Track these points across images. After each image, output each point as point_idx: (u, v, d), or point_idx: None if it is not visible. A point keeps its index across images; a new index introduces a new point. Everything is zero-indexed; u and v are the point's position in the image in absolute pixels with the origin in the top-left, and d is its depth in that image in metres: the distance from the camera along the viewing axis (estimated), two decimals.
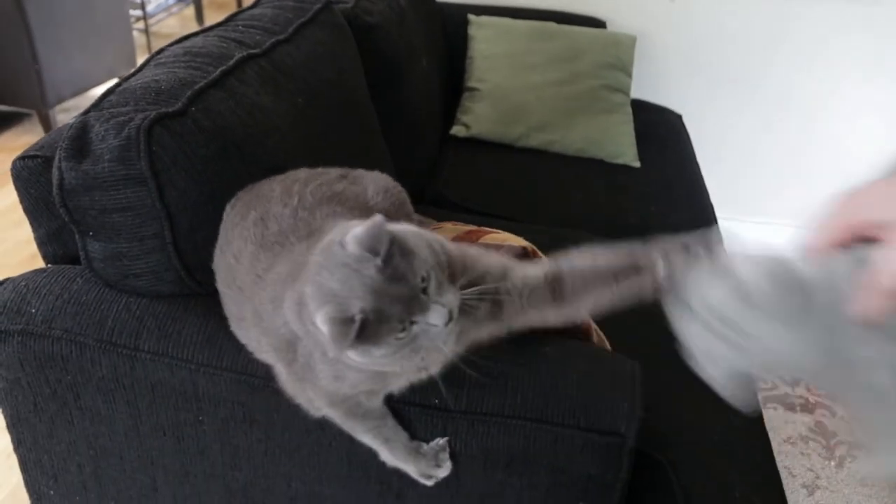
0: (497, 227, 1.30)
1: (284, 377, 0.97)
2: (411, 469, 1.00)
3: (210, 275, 1.09)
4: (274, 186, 1.08)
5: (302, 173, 1.12)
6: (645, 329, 1.52)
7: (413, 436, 1.01)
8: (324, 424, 1.03)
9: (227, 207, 1.08)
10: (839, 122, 2.72)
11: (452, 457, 1.00)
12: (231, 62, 1.23)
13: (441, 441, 1.00)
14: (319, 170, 1.15)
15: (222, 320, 1.05)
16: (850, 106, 2.69)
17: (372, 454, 1.05)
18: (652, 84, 2.68)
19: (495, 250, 1.08)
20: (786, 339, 0.65)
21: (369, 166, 1.24)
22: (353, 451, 1.05)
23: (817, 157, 2.79)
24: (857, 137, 2.74)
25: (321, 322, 0.78)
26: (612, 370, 1.01)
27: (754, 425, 1.39)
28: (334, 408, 0.97)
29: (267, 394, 1.03)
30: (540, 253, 1.13)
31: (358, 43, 1.74)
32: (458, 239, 1.16)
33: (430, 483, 1.00)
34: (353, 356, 0.82)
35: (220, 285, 1.04)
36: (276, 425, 1.05)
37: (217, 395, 1.05)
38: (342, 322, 0.77)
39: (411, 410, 1.00)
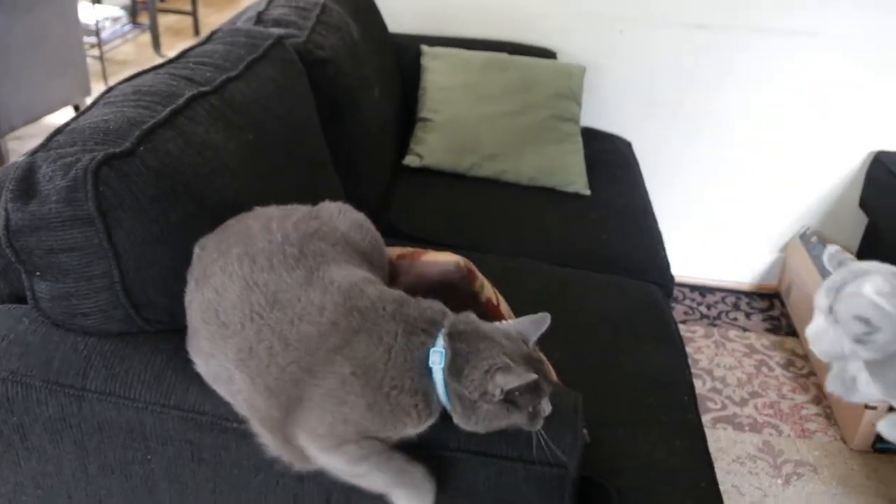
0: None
1: (272, 420, 0.97)
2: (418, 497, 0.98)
3: (158, 313, 1.09)
4: (249, 223, 1.09)
5: (273, 210, 1.14)
6: (592, 358, 1.55)
7: None
8: (271, 464, 1.04)
9: (197, 248, 1.09)
10: (783, 150, 2.79)
11: None
12: (181, 101, 1.24)
13: None
14: (289, 207, 1.17)
15: (170, 358, 1.06)
16: (792, 133, 2.76)
17: (319, 498, 1.06)
18: (602, 112, 2.74)
19: (432, 268, 1.11)
20: None
21: (320, 193, 1.26)
22: (301, 495, 1.06)
23: (762, 183, 2.85)
24: (800, 165, 2.82)
25: (504, 368, 0.93)
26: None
27: (698, 449, 1.42)
28: (344, 447, 0.95)
29: (216, 432, 1.04)
30: (475, 269, 1.15)
31: (310, 76, 1.76)
32: (399, 259, 1.17)
33: None
34: (491, 408, 0.95)
35: (195, 321, 1.03)
36: (224, 464, 1.06)
37: (164, 433, 1.05)
38: (522, 374, 0.93)
39: None
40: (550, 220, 2.14)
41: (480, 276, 1.16)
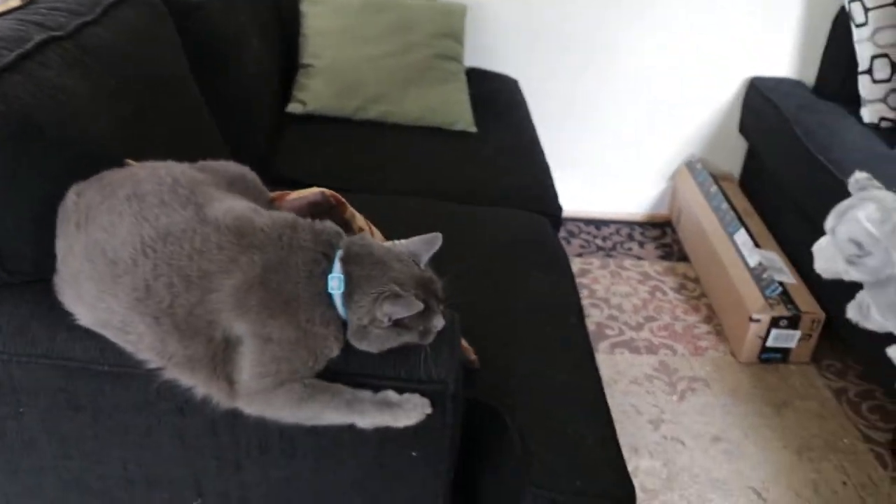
0: None
1: (192, 361, 0.95)
2: (392, 418, 0.99)
3: (21, 263, 1.05)
4: (134, 171, 1.06)
5: (160, 163, 1.10)
6: (482, 286, 1.57)
7: None
8: (152, 402, 1.02)
9: (72, 194, 1.04)
10: (665, 81, 2.85)
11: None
12: (29, 45, 1.18)
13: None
14: (172, 162, 1.13)
15: (35, 308, 1.03)
16: (673, 64, 2.82)
17: (204, 429, 1.05)
18: (489, 52, 2.74)
19: (300, 202, 1.10)
20: None
21: (196, 145, 1.23)
22: (185, 428, 1.05)
23: (648, 115, 2.92)
24: (682, 95, 2.89)
25: (392, 297, 0.95)
26: None
27: (585, 365, 1.46)
28: (282, 389, 0.95)
29: (88, 377, 1.02)
30: (342, 199, 1.15)
31: (179, 24, 1.71)
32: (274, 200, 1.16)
33: (420, 420, 0.99)
34: (380, 333, 0.97)
35: (76, 265, 0.99)
36: (103, 409, 1.04)
37: (35, 384, 1.02)
38: (410, 304, 0.95)
39: None
40: (438, 159, 2.14)
41: (350, 207, 1.15)
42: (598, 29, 2.76)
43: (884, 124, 2.48)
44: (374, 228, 1.20)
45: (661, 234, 3.00)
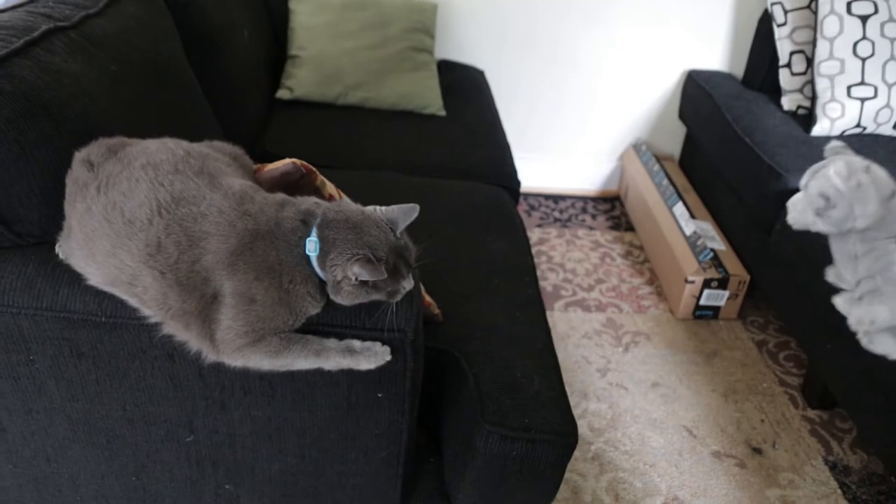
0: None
1: (186, 315, 0.94)
2: (353, 362, 1.00)
3: (30, 226, 1.04)
4: (147, 145, 1.04)
5: (168, 139, 1.08)
6: (444, 247, 1.57)
7: None
8: (145, 349, 1.02)
9: (78, 163, 1.02)
10: (615, 71, 2.85)
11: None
12: (36, 33, 1.16)
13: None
14: (178, 139, 1.10)
15: (40, 266, 1.01)
16: (622, 56, 2.82)
17: (192, 374, 1.05)
18: (458, 45, 2.72)
19: (273, 174, 1.09)
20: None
21: (193, 126, 1.21)
22: (175, 372, 1.05)
23: (601, 101, 2.91)
24: (630, 84, 2.88)
25: (363, 260, 0.94)
26: None
27: (536, 318, 1.46)
28: (262, 343, 0.95)
29: (88, 328, 1.01)
30: (312, 168, 1.14)
31: (176, 16, 1.68)
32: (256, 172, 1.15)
33: (379, 364, 1.00)
34: (351, 290, 0.96)
35: (93, 225, 0.96)
36: (102, 356, 1.03)
37: (42, 334, 1.01)
38: (376, 270, 0.94)
39: None
40: (410, 139, 2.13)
41: (320, 175, 1.14)
42: (558, 26, 2.74)
43: (801, 111, 2.49)
44: (343, 196, 1.19)
45: (611, 207, 3.01)
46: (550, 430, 1.20)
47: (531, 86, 2.85)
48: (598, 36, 2.77)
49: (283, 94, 2.23)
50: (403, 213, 1.02)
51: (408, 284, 1.01)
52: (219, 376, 1.04)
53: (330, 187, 1.15)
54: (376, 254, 0.95)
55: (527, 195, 3.00)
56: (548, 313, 2.33)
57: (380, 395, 1.06)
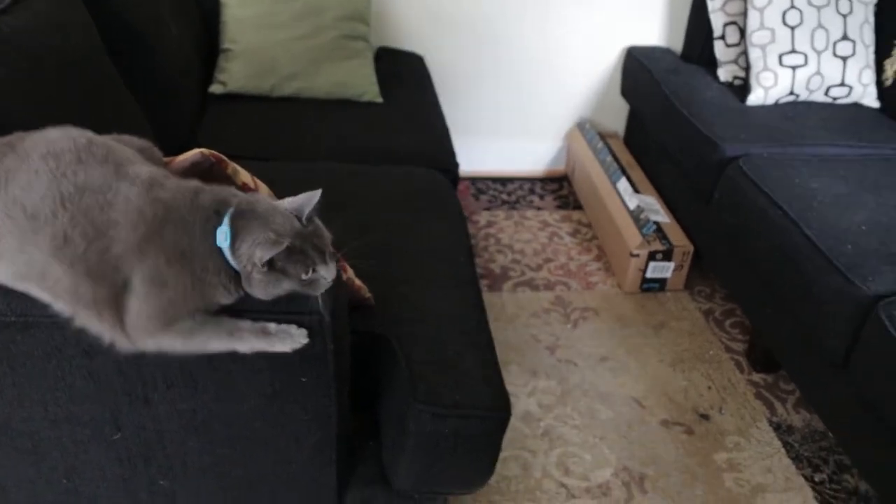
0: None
1: (98, 304, 0.93)
2: (267, 344, 0.99)
3: None
4: (47, 134, 1.00)
5: (71, 127, 1.03)
6: (381, 231, 1.57)
7: None
8: (61, 347, 1.00)
9: None
10: (556, 50, 2.86)
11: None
12: None
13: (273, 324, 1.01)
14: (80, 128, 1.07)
15: None
16: (563, 34, 2.82)
17: (111, 369, 1.03)
18: (397, 32, 2.71)
19: (182, 165, 1.08)
20: None
21: (116, 122, 1.19)
22: (94, 369, 1.03)
23: (543, 82, 2.92)
24: (572, 62, 2.89)
25: (263, 241, 0.93)
26: None
27: (471, 298, 1.47)
28: (175, 326, 0.94)
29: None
30: (222, 156, 1.12)
31: (97, 12, 1.65)
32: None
33: (295, 347, 0.99)
34: (261, 278, 0.95)
35: (2, 219, 0.93)
36: (17, 357, 1.01)
37: None
38: (275, 243, 0.93)
39: None
40: (347, 127, 2.12)
41: (232, 163, 1.13)
42: (496, 7, 2.74)
43: (737, 82, 2.52)
44: (260, 183, 1.17)
45: (558, 187, 3.02)
46: (482, 406, 1.20)
47: (473, 69, 2.85)
48: (537, 16, 2.77)
49: (216, 88, 2.20)
50: (306, 200, 1.01)
51: (328, 274, 1.00)
52: (139, 371, 1.03)
53: (244, 175, 1.13)
54: (280, 238, 0.94)
55: (475, 179, 3.00)
56: (497, 294, 2.34)
57: (303, 379, 1.06)
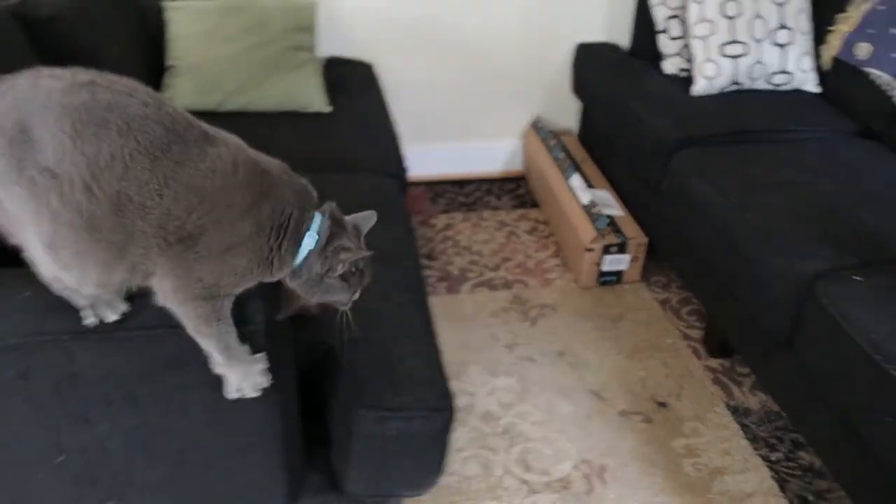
0: None
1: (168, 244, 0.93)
2: (240, 375, 1.02)
3: None
4: (58, 73, 0.94)
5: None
6: None
7: None
8: None
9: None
10: (508, 51, 2.89)
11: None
12: None
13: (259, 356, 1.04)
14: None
15: None
16: (514, 34, 2.86)
17: (49, 391, 1.04)
18: (346, 41, 2.72)
19: None
20: None
21: None
22: (31, 392, 1.04)
23: (496, 83, 2.95)
24: (524, 62, 2.92)
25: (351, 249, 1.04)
26: None
27: (416, 300, 1.48)
28: (201, 301, 0.96)
29: None
30: None
31: (36, 36, 1.65)
32: None
33: (256, 393, 1.04)
34: (332, 283, 1.05)
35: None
36: None
37: None
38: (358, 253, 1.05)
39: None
40: (295, 139, 2.13)
41: None
42: (444, 10, 2.76)
43: (682, 74, 2.56)
44: None
45: (515, 186, 3.05)
46: (425, 407, 1.22)
47: (425, 74, 2.87)
48: (485, 18, 2.80)
49: None
50: (365, 220, 1.13)
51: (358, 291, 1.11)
52: (76, 390, 1.04)
53: None
54: (360, 250, 1.06)
55: (432, 183, 3.02)
56: (455, 296, 2.36)
57: None
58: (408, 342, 1.35)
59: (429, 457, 1.25)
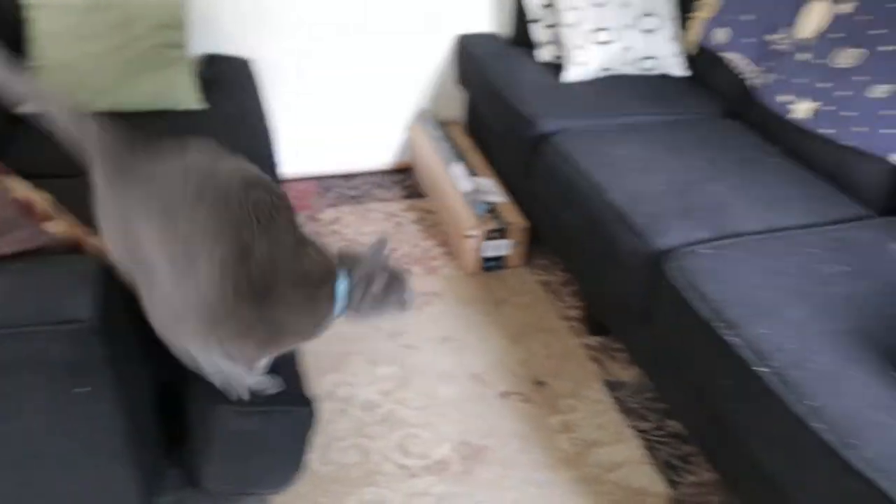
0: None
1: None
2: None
3: None
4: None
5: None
6: None
7: None
8: None
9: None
10: (390, 42, 2.90)
11: None
12: None
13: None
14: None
15: None
16: (395, 25, 2.87)
17: None
18: (223, 37, 2.68)
19: None
20: None
21: None
22: None
23: (380, 75, 2.96)
24: (407, 53, 2.95)
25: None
26: (68, 270, 1.03)
27: None
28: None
29: None
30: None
31: None
32: None
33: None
34: (374, 305, 1.23)
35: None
36: None
37: None
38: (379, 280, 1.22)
39: None
40: (166, 137, 2.09)
41: (7, 178, 1.12)
42: (325, 4, 2.75)
43: (556, 61, 2.63)
44: (38, 198, 1.17)
45: (404, 178, 3.08)
46: (284, 402, 1.24)
47: (308, 68, 2.86)
48: (367, 11, 2.81)
49: (24, 107, 2.13)
50: (380, 245, 1.26)
51: (410, 298, 1.31)
52: None
53: (20, 189, 1.12)
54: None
55: (321, 178, 3.02)
56: None
57: (77, 390, 1.06)
58: None
59: (288, 453, 1.27)
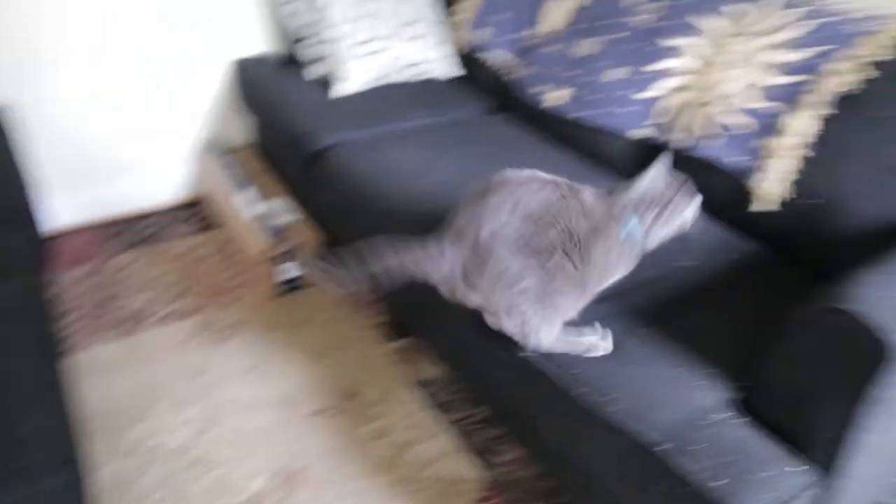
0: None
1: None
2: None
3: None
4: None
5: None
6: None
7: None
8: None
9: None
10: (166, 72, 2.81)
11: None
12: None
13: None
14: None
15: None
16: (171, 53, 2.78)
17: None
18: None
19: None
20: None
21: None
22: None
23: (161, 109, 2.86)
24: (186, 82, 2.87)
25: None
26: None
27: (44, 360, 1.42)
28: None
29: None
30: None
31: None
32: None
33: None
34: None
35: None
36: None
37: None
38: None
39: None
40: None
41: None
42: (88, 43, 2.61)
43: (327, 78, 2.66)
44: None
45: (197, 211, 3.00)
46: (46, 467, 1.18)
47: (79, 113, 2.69)
48: (138, 45, 2.69)
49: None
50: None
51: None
52: None
53: None
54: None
55: (108, 224, 2.88)
56: (137, 336, 2.28)
57: None
58: (30, 403, 1.29)
59: None
